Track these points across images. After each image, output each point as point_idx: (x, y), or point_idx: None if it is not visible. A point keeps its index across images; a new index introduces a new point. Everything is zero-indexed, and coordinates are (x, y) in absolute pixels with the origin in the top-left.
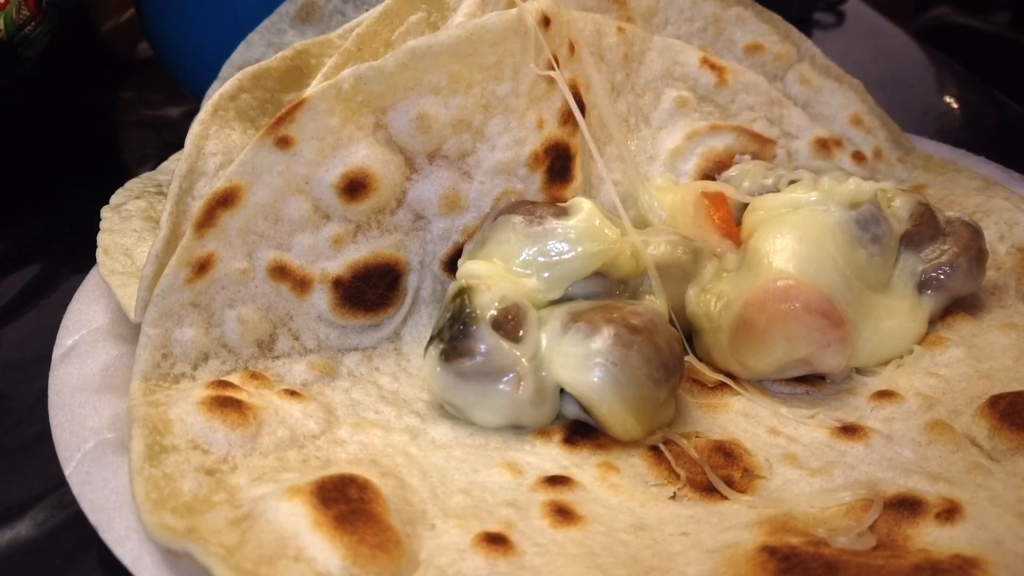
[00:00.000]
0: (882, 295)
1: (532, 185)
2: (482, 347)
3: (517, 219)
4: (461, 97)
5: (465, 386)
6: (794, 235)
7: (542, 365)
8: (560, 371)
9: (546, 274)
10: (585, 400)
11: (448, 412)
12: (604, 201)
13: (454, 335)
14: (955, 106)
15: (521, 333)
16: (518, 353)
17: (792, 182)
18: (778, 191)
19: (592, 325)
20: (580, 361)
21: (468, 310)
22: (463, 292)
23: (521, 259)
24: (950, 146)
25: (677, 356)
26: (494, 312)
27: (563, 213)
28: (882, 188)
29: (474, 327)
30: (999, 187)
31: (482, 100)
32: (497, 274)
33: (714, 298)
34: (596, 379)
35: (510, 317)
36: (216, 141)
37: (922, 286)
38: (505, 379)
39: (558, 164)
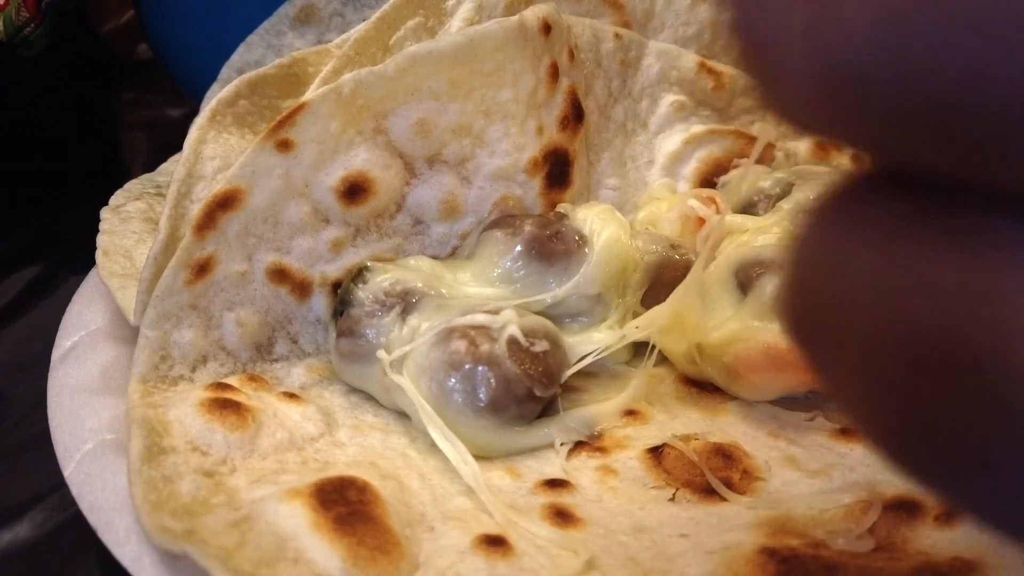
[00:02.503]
0: None
1: (531, 191)
2: (355, 328)
3: (499, 235)
4: (461, 103)
5: (348, 367)
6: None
7: (406, 359)
8: (407, 368)
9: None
10: (409, 408)
11: None
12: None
13: (334, 313)
14: None
15: (396, 321)
16: (382, 341)
17: (790, 184)
18: (775, 194)
19: (450, 331)
20: (419, 365)
21: (353, 289)
22: (360, 271)
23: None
24: None
25: (517, 396)
26: (375, 294)
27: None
28: None
29: (352, 307)
30: None
31: (482, 106)
32: (415, 266)
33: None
34: (425, 389)
35: (389, 302)
36: (214, 146)
37: None
38: (375, 364)
39: (556, 170)
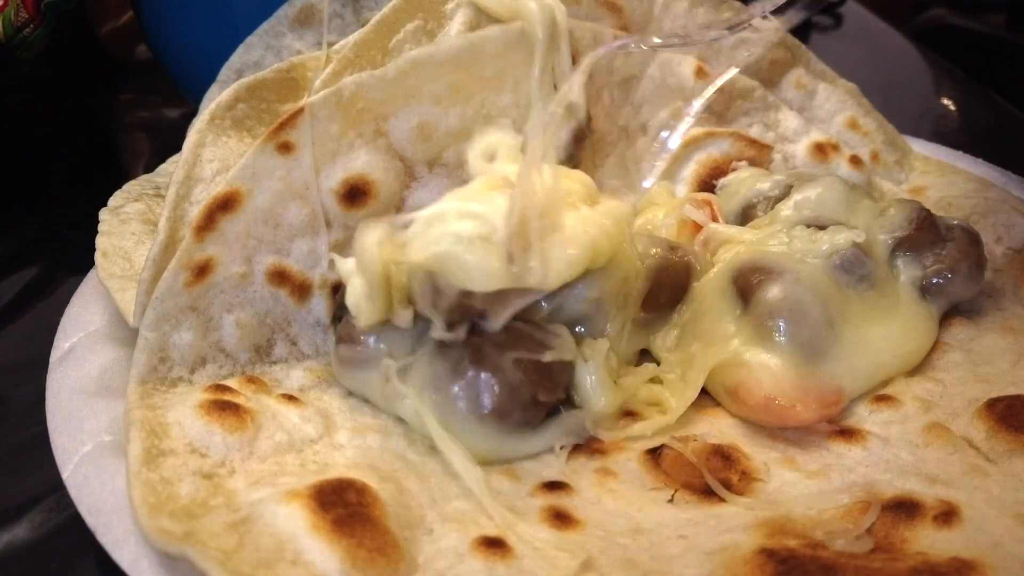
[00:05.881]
0: (891, 319)
1: None
2: (355, 335)
3: None
4: (461, 107)
5: (348, 373)
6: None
7: (410, 371)
8: (410, 376)
9: None
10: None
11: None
12: None
13: (334, 318)
14: (952, 108)
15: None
16: (383, 348)
17: (788, 186)
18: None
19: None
20: (422, 373)
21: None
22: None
23: None
24: (947, 148)
25: (521, 402)
26: None
27: None
28: (856, 241)
29: (350, 313)
30: (996, 189)
31: (483, 110)
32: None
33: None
34: (428, 397)
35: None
36: (213, 148)
37: (923, 292)
38: (376, 371)
39: None
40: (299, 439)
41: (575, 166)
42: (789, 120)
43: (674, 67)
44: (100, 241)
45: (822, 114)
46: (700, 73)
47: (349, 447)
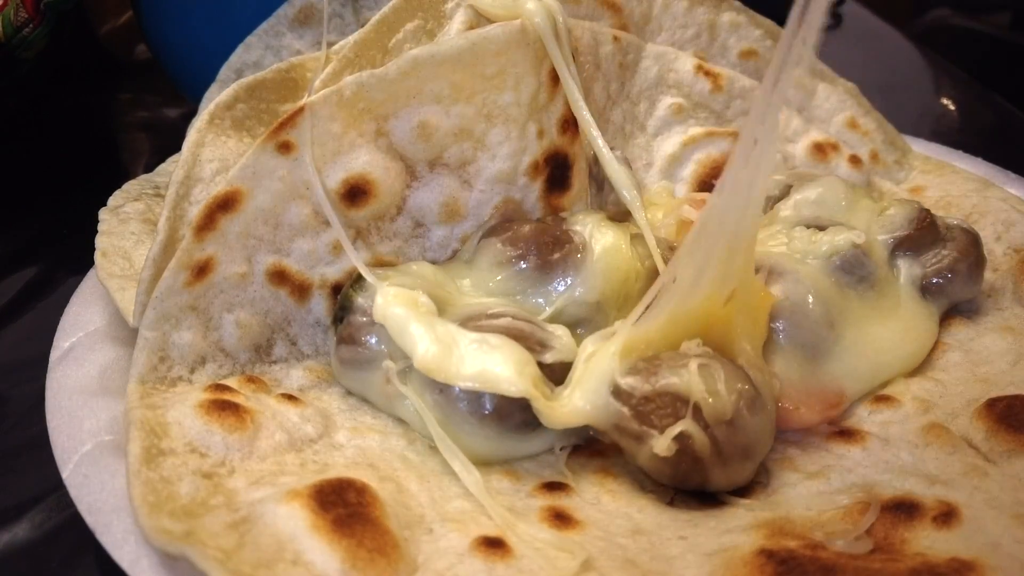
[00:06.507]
0: (891, 319)
1: (531, 194)
2: (356, 335)
3: (498, 243)
4: (463, 106)
5: (348, 373)
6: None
7: (410, 372)
8: (411, 378)
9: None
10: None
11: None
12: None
13: (335, 319)
14: (952, 108)
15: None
16: (384, 349)
17: (788, 186)
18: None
19: None
20: (423, 375)
21: (353, 296)
22: (360, 277)
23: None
24: (947, 147)
25: (522, 403)
26: (373, 303)
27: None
28: (856, 241)
29: (353, 314)
30: (995, 188)
31: (483, 109)
32: (416, 272)
33: None
34: (429, 398)
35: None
36: (212, 148)
37: (923, 292)
38: (377, 372)
39: (557, 173)
40: (299, 439)
41: (570, 166)
42: (788, 120)
43: (671, 61)
44: (100, 241)
45: (821, 114)
46: (700, 70)
47: (349, 447)
